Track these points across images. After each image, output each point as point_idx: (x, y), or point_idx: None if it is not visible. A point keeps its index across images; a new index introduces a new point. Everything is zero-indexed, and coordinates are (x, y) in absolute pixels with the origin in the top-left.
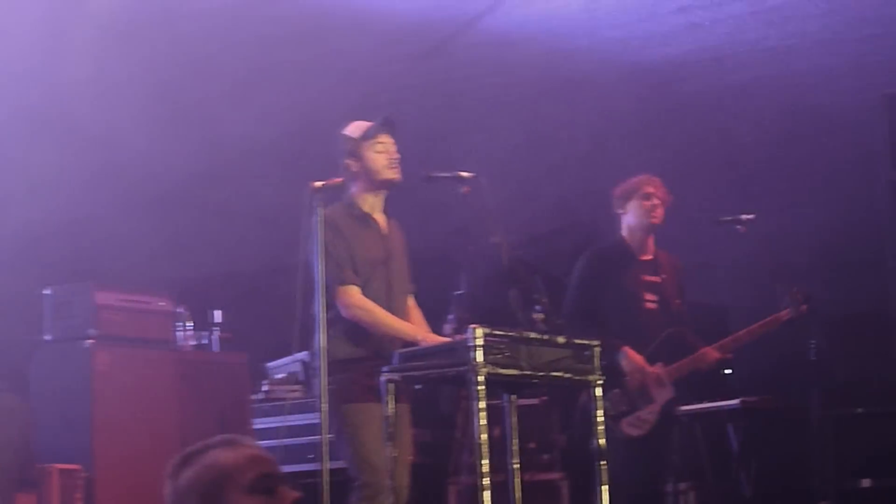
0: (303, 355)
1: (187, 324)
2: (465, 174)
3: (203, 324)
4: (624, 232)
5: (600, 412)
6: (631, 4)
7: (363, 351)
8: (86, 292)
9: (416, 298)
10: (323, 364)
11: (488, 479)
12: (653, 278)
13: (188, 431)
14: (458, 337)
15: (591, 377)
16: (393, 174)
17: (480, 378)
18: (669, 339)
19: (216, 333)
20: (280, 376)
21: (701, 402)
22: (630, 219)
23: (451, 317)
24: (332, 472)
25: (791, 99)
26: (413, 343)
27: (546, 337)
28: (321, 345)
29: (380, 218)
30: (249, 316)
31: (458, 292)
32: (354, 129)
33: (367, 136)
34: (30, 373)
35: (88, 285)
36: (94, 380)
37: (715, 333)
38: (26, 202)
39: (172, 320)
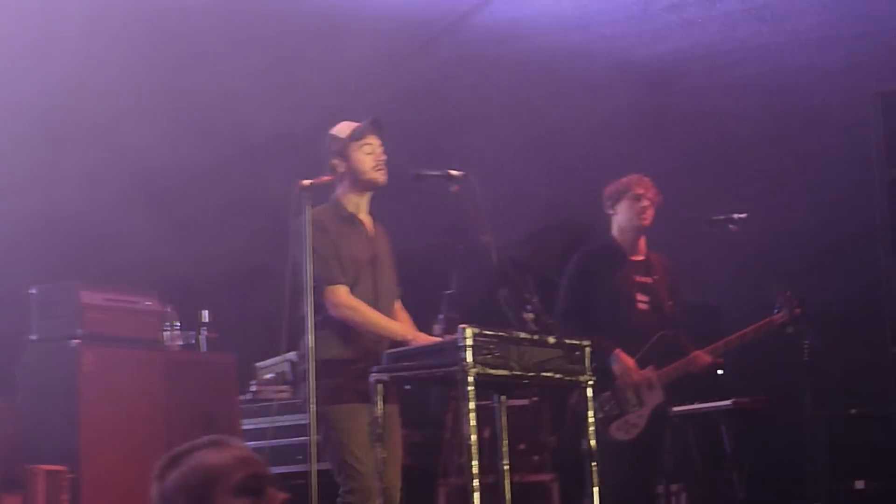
0: (291, 355)
1: (174, 323)
2: (454, 172)
3: (190, 323)
4: (614, 232)
5: (591, 413)
6: (622, 1)
7: (352, 353)
8: (72, 292)
9: (405, 298)
10: (311, 365)
11: (478, 480)
12: (644, 279)
13: (175, 432)
14: (447, 337)
15: (581, 378)
16: (379, 176)
17: (470, 378)
18: (661, 341)
19: (204, 333)
20: (268, 376)
21: (693, 403)
22: (620, 219)
23: (440, 316)
24: (321, 473)
25: (784, 97)
26: (402, 343)
27: (537, 337)
28: (309, 346)
29: (366, 219)
30: (237, 316)
31: (448, 292)
32: (342, 129)
33: (355, 136)
34: (15, 373)
35: (74, 284)
36: (81, 380)
37: (707, 334)
38: (10, 199)
39: (159, 320)
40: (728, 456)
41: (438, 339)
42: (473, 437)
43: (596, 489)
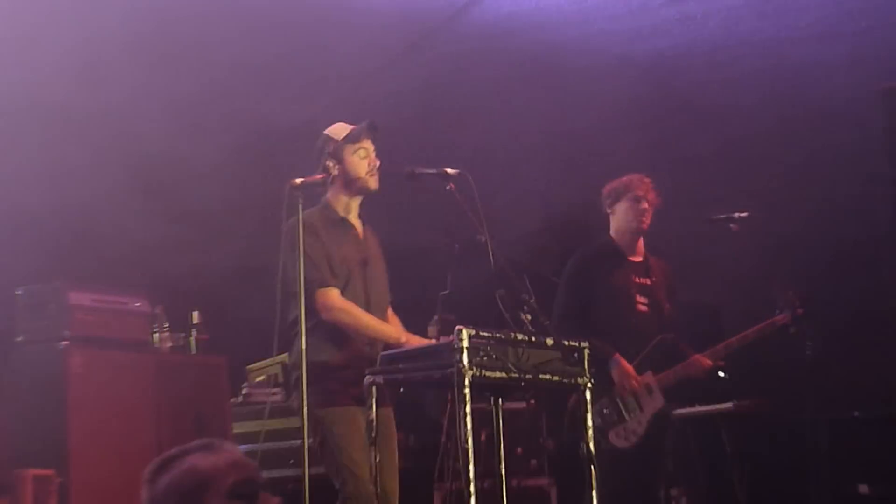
0: (283, 357)
1: (164, 325)
2: (450, 170)
3: (181, 325)
4: (612, 232)
5: (590, 416)
6: None
7: (344, 357)
8: (59, 292)
9: (400, 298)
10: (303, 368)
11: (475, 485)
12: (643, 280)
13: (165, 436)
14: (443, 338)
15: (580, 380)
16: (371, 182)
17: (466, 381)
18: (660, 345)
19: (194, 335)
20: (260, 379)
21: (693, 406)
22: (618, 220)
23: (436, 317)
24: (314, 477)
25: (786, 93)
26: (395, 346)
27: (534, 339)
28: (302, 348)
29: (356, 222)
30: (228, 317)
31: (444, 292)
32: (338, 130)
33: (351, 139)
34: (2, 375)
35: (62, 285)
36: (69, 383)
37: (707, 337)
38: None
39: (149, 321)
40: (729, 459)
41: (433, 340)
42: (470, 441)
43: (595, 493)
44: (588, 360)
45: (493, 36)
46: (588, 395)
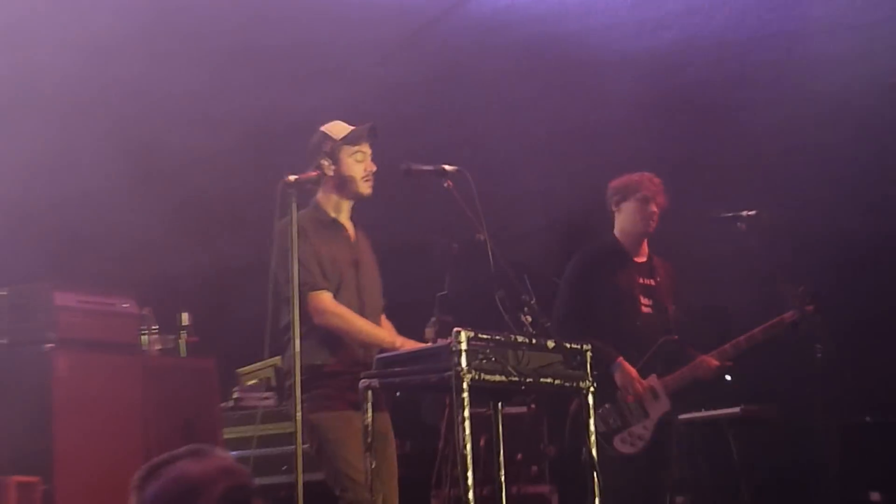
0: (275, 360)
1: (153, 326)
2: (448, 167)
3: (170, 327)
4: (617, 232)
5: (592, 420)
6: None
7: (339, 361)
8: (45, 293)
9: (397, 300)
10: (296, 371)
11: (473, 492)
12: (647, 281)
13: (154, 441)
14: (441, 341)
15: (582, 384)
16: (365, 188)
17: (465, 385)
18: (665, 347)
19: (184, 337)
20: (252, 383)
21: (699, 411)
22: (623, 220)
23: (433, 319)
24: (308, 484)
25: (794, 88)
26: (390, 350)
27: (535, 341)
28: (294, 351)
29: (347, 224)
30: (219, 318)
31: (442, 293)
32: (336, 129)
33: (350, 140)
34: None
35: (47, 285)
36: (54, 386)
37: (714, 337)
38: None
39: (137, 323)
40: (736, 466)
41: (430, 343)
42: (468, 447)
43: (597, 501)
44: (590, 364)
45: (492, 29)
46: (590, 399)
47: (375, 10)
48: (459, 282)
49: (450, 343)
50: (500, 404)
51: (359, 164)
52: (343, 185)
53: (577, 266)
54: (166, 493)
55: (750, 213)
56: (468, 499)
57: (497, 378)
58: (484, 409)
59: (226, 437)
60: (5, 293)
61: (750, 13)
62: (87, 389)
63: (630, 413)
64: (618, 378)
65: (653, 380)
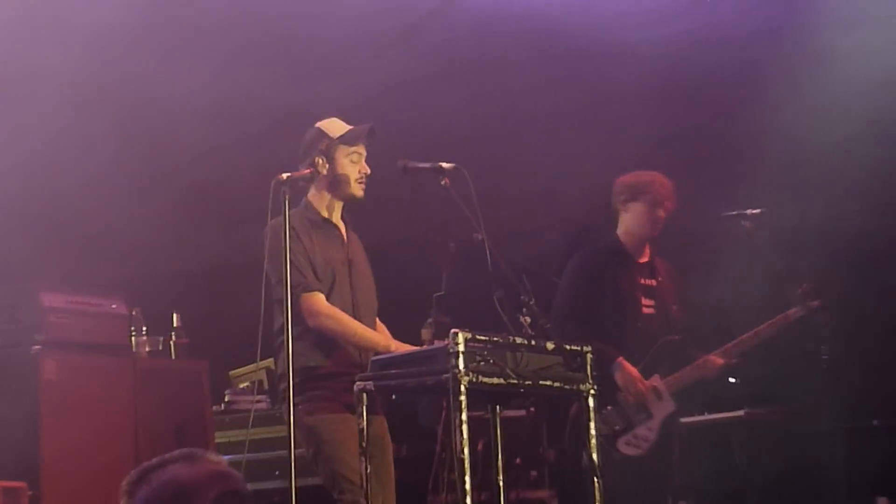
0: (268, 362)
1: (142, 328)
2: (445, 165)
3: (160, 328)
4: (621, 232)
5: (593, 424)
6: None
7: (334, 364)
8: (31, 294)
9: (392, 301)
10: (289, 373)
11: (471, 497)
12: (649, 282)
13: (144, 445)
14: (437, 342)
15: (582, 386)
16: (358, 190)
17: (462, 387)
18: (666, 346)
19: (174, 338)
20: (244, 385)
21: (703, 414)
22: (629, 220)
23: (430, 320)
24: (301, 489)
25: (802, 83)
26: (384, 353)
27: (534, 342)
28: (287, 354)
29: (339, 224)
30: (210, 319)
31: (438, 294)
32: (332, 126)
33: (347, 140)
34: None
35: (34, 286)
36: (41, 389)
37: (719, 337)
38: None
39: (126, 324)
40: (740, 470)
41: (426, 345)
42: (466, 451)
43: None
44: (591, 365)
45: (491, 22)
46: (591, 402)
47: (369, 3)
48: (457, 282)
49: (447, 345)
50: (498, 407)
51: (354, 166)
52: (336, 184)
53: (577, 266)
54: (157, 498)
55: (755, 211)
56: None
57: (495, 380)
58: (482, 413)
59: (217, 440)
60: None
61: (756, 6)
62: (75, 392)
63: (633, 414)
64: (618, 378)
65: (656, 380)
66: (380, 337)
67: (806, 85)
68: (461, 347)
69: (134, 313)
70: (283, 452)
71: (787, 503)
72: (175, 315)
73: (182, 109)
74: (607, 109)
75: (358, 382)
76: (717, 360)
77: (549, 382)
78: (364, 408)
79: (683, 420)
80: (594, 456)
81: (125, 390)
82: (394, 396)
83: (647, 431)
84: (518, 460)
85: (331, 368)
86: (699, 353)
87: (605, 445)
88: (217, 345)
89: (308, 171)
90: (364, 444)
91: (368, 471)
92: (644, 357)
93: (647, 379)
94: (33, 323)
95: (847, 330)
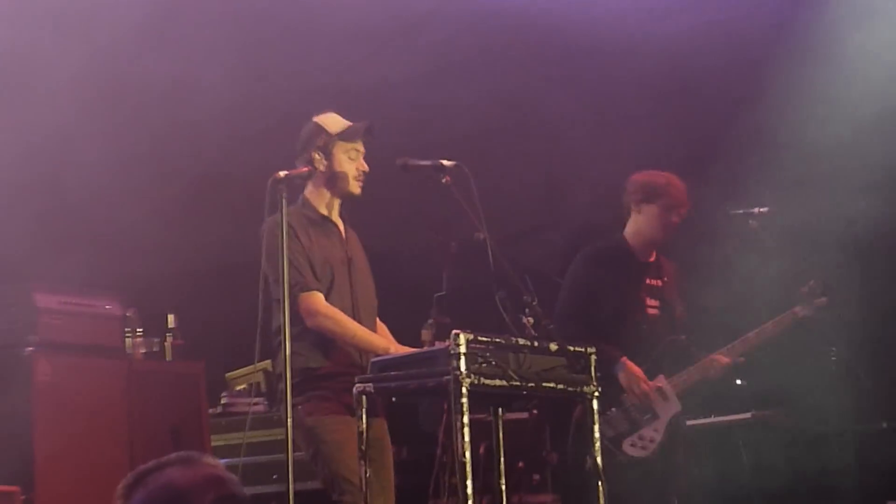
0: (266, 364)
1: (137, 329)
2: (446, 162)
3: (155, 329)
4: (629, 231)
5: (597, 427)
6: None
7: (334, 364)
8: (25, 294)
9: (392, 301)
10: (287, 374)
11: (473, 501)
12: (654, 282)
13: (139, 449)
14: (438, 343)
15: (586, 388)
16: (356, 187)
17: (464, 389)
18: (670, 347)
19: (169, 339)
20: (241, 387)
21: (709, 416)
22: (642, 222)
23: (430, 321)
24: (299, 493)
25: (811, 79)
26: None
27: (537, 344)
28: (285, 354)
29: (337, 222)
30: (206, 320)
31: (439, 294)
32: (330, 122)
33: (346, 136)
34: None
35: (27, 286)
36: (35, 391)
37: (724, 337)
38: None
39: (121, 325)
40: (747, 474)
41: (427, 347)
42: (467, 455)
43: None
44: (594, 367)
45: (490, 18)
46: (595, 404)
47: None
48: (458, 282)
49: (448, 346)
50: (500, 410)
51: (352, 163)
52: (334, 182)
53: (581, 266)
54: (153, 501)
55: (762, 209)
56: None
57: (497, 382)
58: (484, 415)
59: (214, 444)
60: None
61: (764, 1)
62: (68, 395)
63: (638, 415)
64: (622, 378)
65: (660, 380)
66: (379, 339)
67: (813, 81)
68: (463, 349)
69: (129, 314)
70: (280, 456)
71: None
72: (171, 316)
73: (181, 107)
74: (610, 107)
75: (357, 384)
76: (721, 359)
77: (552, 384)
78: (363, 410)
79: (690, 422)
80: (598, 459)
81: (120, 393)
82: (394, 399)
83: (653, 432)
84: (520, 464)
85: (330, 368)
86: (704, 353)
87: (611, 447)
88: (213, 346)
89: (306, 169)
90: (363, 447)
91: (368, 474)
92: (648, 358)
93: (651, 379)
94: (27, 324)
95: (856, 330)
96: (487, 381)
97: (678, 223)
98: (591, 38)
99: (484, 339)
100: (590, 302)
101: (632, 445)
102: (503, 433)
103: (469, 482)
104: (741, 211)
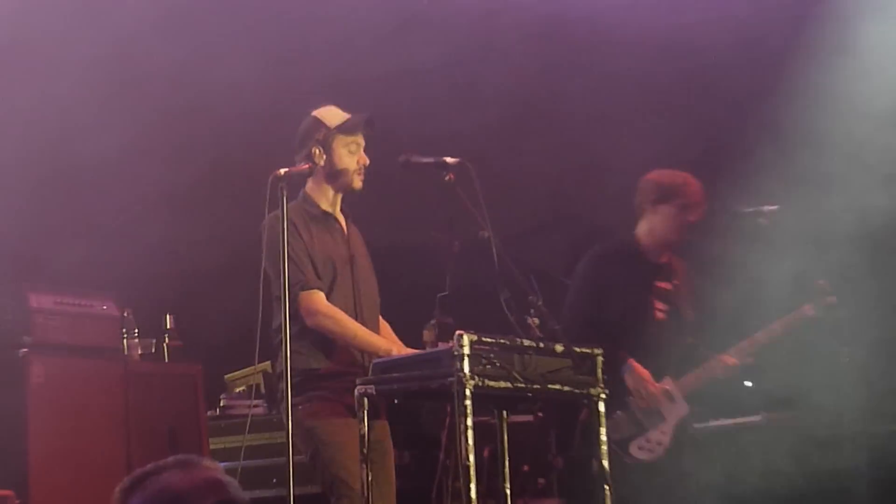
0: (265, 365)
1: (134, 330)
2: (449, 159)
3: (152, 330)
4: (642, 231)
5: (603, 429)
6: None
7: (335, 364)
8: (18, 294)
9: (394, 301)
10: (286, 375)
11: None
12: (665, 285)
13: (135, 452)
14: (441, 345)
15: (592, 390)
16: (357, 182)
17: (468, 391)
18: (678, 350)
19: (167, 341)
20: (240, 389)
21: (718, 419)
22: (657, 222)
23: (433, 321)
24: (300, 497)
25: (822, 73)
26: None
27: (542, 345)
28: (285, 356)
29: (340, 218)
30: (205, 321)
31: (442, 294)
32: (329, 115)
33: (345, 129)
34: None
35: (21, 286)
36: (29, 394)
37: (733, 337)
38: None
39: (118, 326)
40: (757, 477)
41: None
42: (471, 458)
43: None
44: (601, 369)
45: (493, 12)
46: (601, 406)
47: None
48: (461, 282)
49: (451, 347)
50: (505, 412)
51: (352, 156)
52: (334, 176)
53: (589, 265)
54: None
55: (771, 207)
56: None
57: (502, 384)
58: (488, 418)
59: (212, 447)
60: None
61: None
62: (64, 397)
63: (645, 418)
64: (628, 380)
65: (667, 382)
66: (381, 339)
67: (827, 75)
68: (466, 350)
69: (125, 314)
70: (280, 459)
71: None
72: (168, 316)
73: (180, 106)
74: (617, 102)
75: (359, 386)
76: (729, 359)
77: (557, 386)
78: (365, 412)
79: (698, 426)
80: (604, 463)
81: (116, 395)
82: (396, 401)
83: (660, 435)
84: (525, 467)
85: (332, 368)
86: (712, 354)
87: (617, 451)
88: (212, 347)
89: (306, 166)
90: (365, 450)
91: (370, 478)
92: (654, 360)
93: (658, 382)
94: (20, 324)
95: (869, 330)
96: (492, 383)
97: (694, 223)
98: (598, 32)
99: (488, 340)
100: (597, 302)
101: (639, 448)
102: (508, 436)
103: (473, 486)
104: (751, 209)
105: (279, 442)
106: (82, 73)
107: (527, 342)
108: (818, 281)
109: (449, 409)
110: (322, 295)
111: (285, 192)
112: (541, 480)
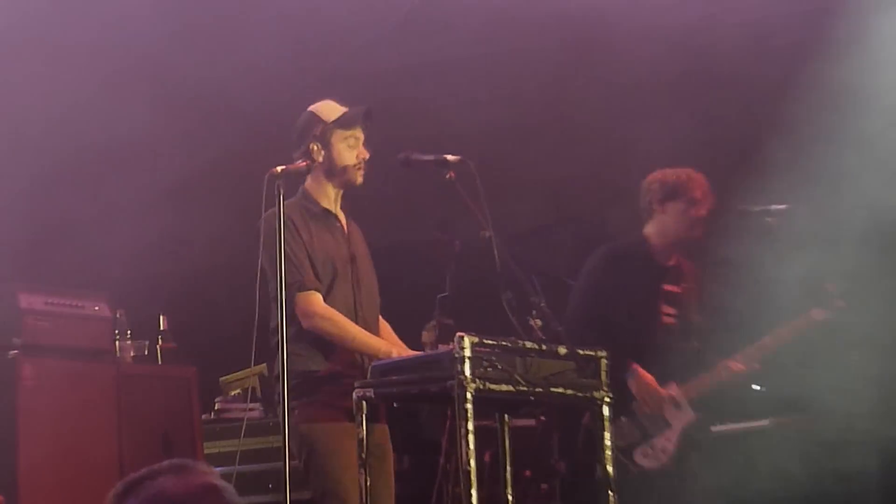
0: (261, 368)
1: (126, 331)
2: (450, 157)
3: (145, 331)
4: (650, 231)
5: (608, 434)
6: None
7: (333, 367)
8: (9, 295)
9: (393, 302)
10: (283, 377)
11: None
12: (673, 288)
13: (128, 457)
14: (441, 347)
15: (596, 394)
16: (357, 176)
17: (468, 395)
18: (683, 355)
19: (160, 342)
20: (235, 392)
21: (726, 424)
22: (666, 222)
23: (433, 323)
24: (296, 503)
25: (835, 69)
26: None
27: (545, 347)
28: (281, 358)
29: (340, 215)
30: (199, 322)
31: (442, 295)
32: (326, 110)
33: (343, 123)
34: None
35: (12, 286)
36: (20, 396)
37: (740, 341)
38: None
39: (110, 327)
40: (765, 482)
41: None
42: (472, 463)
43: None
44: (605, 372)
45: (497, 7)
46: (606, 410)
47: None
48: (462, 282)
49: (452, 349)
50: (506, 416)
51: (351, 151)
52: (333, 172)
53: (595, 266)
54: None
55: (780, 206)
56: None
57: (503, 387)
58: (489, 422)
59: (207, 451)
60: None
61: None
62: (55, 399)
63: (650, 424)
64: (633, 386)
65: (672, 388)
66: (380, 341)
67: (837, 70)
68: (467, 352)
69: (118, 316)
70: (277, 464)
71: None
72: (162, 318)
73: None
74: (622, 100)
75: (357, 389)
76: (735, 365)
77: (560, 390)
78: (364, 416)
79: (715, 429)
80: (609, 468)
81: (108, 397)
82: (395, 404)
83: (665, 442)
84: (528, 473)
85: (331, 370)
86: (718, 358)
87: (621, 458)
88: (207, 349)
89: (304, 164)
90: (363, 455)
91: (368, 483)
92: (659, 366)
93: (663, 387)
94: (11, 326)
95: (880, 332)
96: (493, 386)
97: (705, 218)
98: (604, 28)
99: (489, 342)
100: (603, 304)
101: (644, 456)
102: (510, 440)
103: (474, 491)
104: (759, 208)
105: (275, 446)
106: (78, 73)
107: (529, 344)
108: (827, 284)
109: (449, 412)
110: (319, 296)
111: (282, 191)
112: (543, 486)
